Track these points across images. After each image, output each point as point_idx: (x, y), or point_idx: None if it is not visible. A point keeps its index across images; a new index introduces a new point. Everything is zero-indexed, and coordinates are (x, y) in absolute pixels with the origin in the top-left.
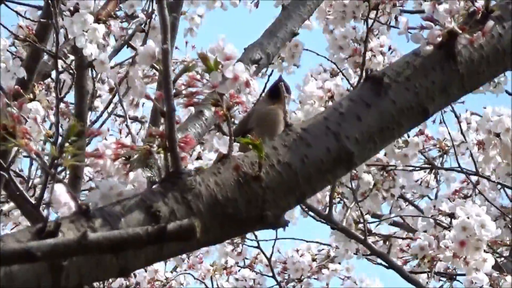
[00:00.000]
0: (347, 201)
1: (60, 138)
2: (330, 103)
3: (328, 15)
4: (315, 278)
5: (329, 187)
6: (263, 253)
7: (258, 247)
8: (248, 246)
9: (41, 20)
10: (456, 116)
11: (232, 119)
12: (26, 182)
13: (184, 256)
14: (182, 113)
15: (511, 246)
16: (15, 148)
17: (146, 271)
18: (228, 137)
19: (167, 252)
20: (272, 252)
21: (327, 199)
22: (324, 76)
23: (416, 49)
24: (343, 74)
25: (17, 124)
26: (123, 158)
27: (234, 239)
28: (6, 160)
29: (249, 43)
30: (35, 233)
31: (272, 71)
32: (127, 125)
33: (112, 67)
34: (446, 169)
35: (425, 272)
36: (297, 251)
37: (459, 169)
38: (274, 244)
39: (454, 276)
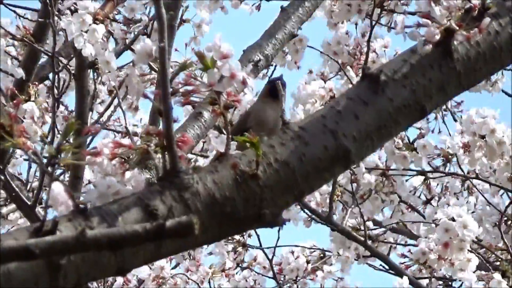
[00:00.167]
0: (346, 204)
1: (57, 138)
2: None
3: (332, 10)
4: (310, 279)
5: (329, 189)
6: (266, 255)
7: (260, 247)
8: (250, 246)
9: (39, 20)
10: (455, 120)
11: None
12: (24, 185)
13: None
14: (182, 114)
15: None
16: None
17: (150, 268)
18: (226, 136)
19: (165, 251)
20: (274, 254)
21: (327, 201)
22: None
23: (413, 47)
24: (345, 74)
25: (14, 123)
26: (121, 157)
27: (237, 248)
28: (3, 161)
29: (248, 45)
30: (32, 232)
31: (272, 72)
32: (126, 128)
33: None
34: (446, 174)
35: (426, 278)
36: (292, 252)
37: (459, 173)
38: (276, 245)
39: (450, 283)
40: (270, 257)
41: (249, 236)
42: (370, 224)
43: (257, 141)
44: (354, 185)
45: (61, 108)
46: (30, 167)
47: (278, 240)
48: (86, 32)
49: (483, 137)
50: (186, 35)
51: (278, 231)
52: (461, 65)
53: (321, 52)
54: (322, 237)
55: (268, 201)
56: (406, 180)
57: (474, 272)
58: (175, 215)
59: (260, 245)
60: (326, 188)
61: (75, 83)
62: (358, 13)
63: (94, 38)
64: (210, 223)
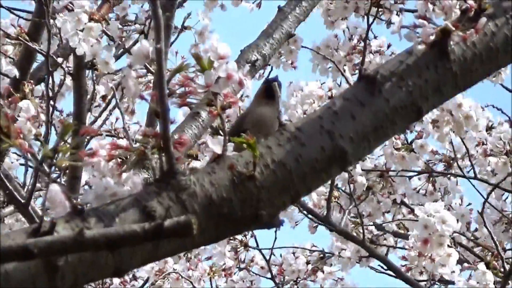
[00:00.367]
0: (344, 205)
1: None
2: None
3: (329, 9)
4: (311, 280)
5: (327, 190)
6: (263, 255)
7: (257, 248)
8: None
9: (34, 19)
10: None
11: (227, 119)
12: (21, 188)
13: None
14: (178, 114)
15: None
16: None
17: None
18: (223, 137)
19: (162, 252)
20: (271, 255)
21: (323, 202)
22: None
23: (409, 48)
24: (342, 74)
25: (11, 124)
26: (118, 159)
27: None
28: None
29: (245, 45)
30: (30, 233)
31: (270, 73)
32: (124, 128)
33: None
34: (445, 174)
35: (425, 281)
36: (293, 253)
37: (458, 174)
38: (273, 246)
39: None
40: (269, 259)
41: (252, 236)
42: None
43: (254, 142)
44: (352, 186)
45: (57, 112)
46: (27, 170)
47: (275, 240)
48: (81, 31)
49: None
50: (184, 38)
51: (275, 231)
52: (457, 66)
53: (316, 52)
54: (322, 237)
55: (265, 202)
56: (410, 178)
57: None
58: (173, 216)
59: (257, 245)
60: (323, 188)
61: (73, 83)
62: (355, 11)
63: (89, 37)
64: (207, 224)
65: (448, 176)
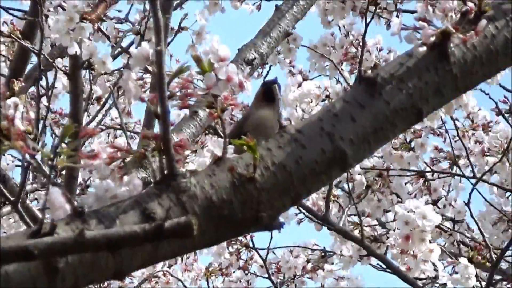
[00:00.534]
0: (342, 203)
1: (41, 136)
2: (327, 102)
3: (326, 8)
4: (309, 278)
5: (326, 189)
6: (259, 254)
7: (253, 247)
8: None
9: (28, 18)
10: (453, 121)
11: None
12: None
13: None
14: (177, 115)
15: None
16: None
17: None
18: (223, 139)
19: (162, 254)
20: (267, 254)
21: (320, 202)
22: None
23: (409, 50)
24: (340, 73)
25: (11, 126)
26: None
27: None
28: None
29: (243, 43)
30: (30, 235)
31: (268, 72)
32: (122, 127)
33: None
34: (443, 173)
35: (423, 279)
36: (291, 251)
37: (457, 173)
38: (269, 245)
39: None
40: (265, 258)
41: (251, 237)
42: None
43: (254, 144)
44: (351, 184)
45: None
46: (27, 170)
47: (271, 240)
48: (73, 30)
49: None
50: (181, 40)
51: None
52: (457, 68)
53: (313, 50)
54: (321, 236)
55: (265, 204)
56: (406, 183)
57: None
58: (173, 218)
59: (253, 245)
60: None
61: (69, 83)
62: (353, 10)
63: (81, 36)
64: (207, 226)
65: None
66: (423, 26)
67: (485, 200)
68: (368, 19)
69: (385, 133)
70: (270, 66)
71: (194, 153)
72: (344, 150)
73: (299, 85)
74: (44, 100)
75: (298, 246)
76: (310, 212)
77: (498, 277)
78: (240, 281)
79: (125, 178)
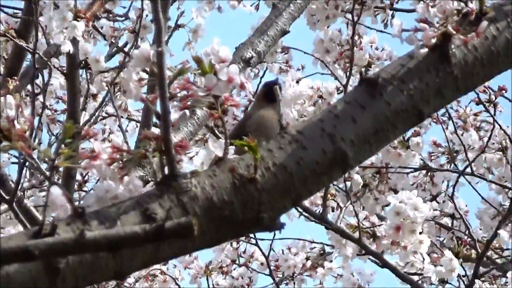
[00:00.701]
0: (340, 202)
1: (36, 134)
2: (320, 101)
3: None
4: (307, 275)
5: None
6: (261, 251)
7: (256, 244)
8: (244, 242)
9: (23, 17)
10: (450, 117)
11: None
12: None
13: None
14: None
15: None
16: None
17: None
18: (224, 140)
19: (162, 255)
20: (270, 251)
21: (318, 201)
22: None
23: (411, 52)
24: (332, 73)
25: (12, 127)
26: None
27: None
28: None
29: (240, 41)
30: (31, 235)
31: (265, 72)
32: (119, 126)
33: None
34: (441, 170)
35: (419, 274)
36: (289, 249)
37: (455, 170)
38: (271, 243)
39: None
40: (268, 255)
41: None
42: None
43: (255, 145)
44: (348, 183)
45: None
46: (22, 169)
47: (273, 237)
48: (66, 28)
49: None
50: (178, 37)
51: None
52: (458, 70)
53: (304, 52)
54: (319, 235)
55: (266, 204)
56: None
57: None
58: (173, 219)
59: (256, 242)
60: None
61: (66, 82)
62: (335, 9)
63: (74, 35)
64: (208, 227)
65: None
66: (424, 27)
67: (480, 196)
68: (365, 19)
69: (386, 134)
70: (266, 68)
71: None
72: (345, 151)
73: (297, 81)
74: (40, 98)
75: (298, 239)
76: (307, 211)
77: (498, 273)
78: (242, 278)
79: (126, 178)
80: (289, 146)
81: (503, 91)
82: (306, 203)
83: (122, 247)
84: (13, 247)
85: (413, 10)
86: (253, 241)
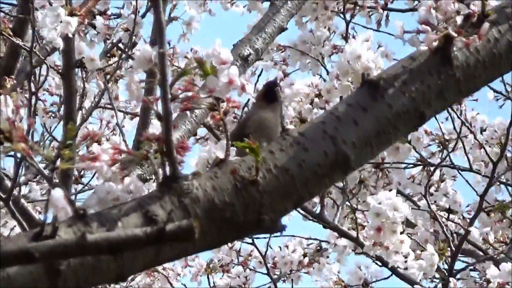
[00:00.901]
0: (336, 198)
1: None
2: (317, 99)
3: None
4: (305, 272)
5: None
6: (258, 250)
7: (252, 243)
8: (242, 242)
9: (18, 15)
10: (448, 111)
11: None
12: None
13: None
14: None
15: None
16: None
17: None
18: (225, 142)
19: (164, 257)
20: (267, 249)
21: (315, 199)
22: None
23: (412, 53)
24: (327, 72)
25: (13, 129)
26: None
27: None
28: None
29: (237, 40)
30: (32, 237)
31: (261, 71)
32: (117, 124)
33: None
34: (439, 166)
35: None
36: (287, 246)
37: (452, 165)
38: (268, 241)
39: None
40: (264, 254)
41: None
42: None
43: (256, 147)
44: (344, 181)
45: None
46: (19, 165)
47: (270, 235)
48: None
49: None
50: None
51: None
52: (460, 72)
53: (300, 51)
54: (317, 233)
55: (267, 206)
56: (405, 168)
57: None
58: (175, 221)
59: (253, 241)
60: None
61: (62, 82)
62: (325, 9)
63: (67, 31)
64: (209, 229)
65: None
66: (426, 30)
67: (473, 189)
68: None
69: (387, 136)
70: (262, 70)
71: None
72: (346, 153)
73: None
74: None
75: (294, 236)
76: (305, 210)
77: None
78: (239, 277)
79: (127, 179)
80: (291, 148)
81: None
82: None
83: (123, 250)
84: (14, 250)
85: (407, 10)
86: (249, 240)
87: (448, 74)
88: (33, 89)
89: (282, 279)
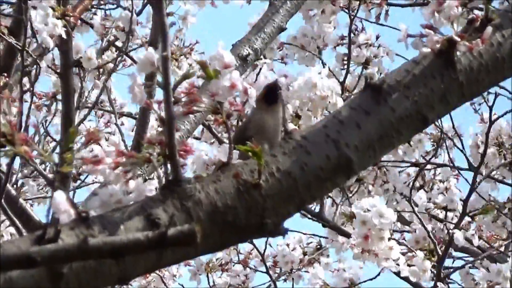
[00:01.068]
0: (334, 196)
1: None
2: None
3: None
4: (305, 271)
5: None
6: (256, 249)
7: (251, 242)
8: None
9: (13, 15)
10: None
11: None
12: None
13: None
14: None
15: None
16: None
17: None
18: (228, 145)
19: (165, 260)
20: (266, 248)
21: None
22: None
23: (416, 57)
24: (329, 69)
25: (15, 132)
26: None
27: None
28: None
29: (237, 39)
30: (34, 240)
31: (260, 69)
32: (116, 124)
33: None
34: (439, 166)
35: None
36: (287, 245)
37: (451, 165)
38: (267, 240)
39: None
40: (263, 252)
41: None
42: None
43: (259, 150)
44: None
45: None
46: (12, 161)
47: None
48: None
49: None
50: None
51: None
52: (463, 76)
53: (302, 48)
54: (316, 232)
55: (270, 210)
56: (400, 172)
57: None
58: (177, 224)
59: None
60: None
61: (60, 81)
62: (332, 4)
63: (55, 32)
64: (211, 232)
65: (437, 167)
66: (429, 33)
67: (472, 188)
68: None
69: (390, 140)
70: (260, 69)
71: None
72: (349, 156)
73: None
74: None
75: (292, 230)
76: (304, 209)
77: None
78: (239, 276)
79: (131, 182)
80: (294, 152)
81: None
82: None
83: (125, 254)
84: (16, 254)
85: (408, 5)
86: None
87: (451, 78)
88: (29, 87)
89: (283, 278)
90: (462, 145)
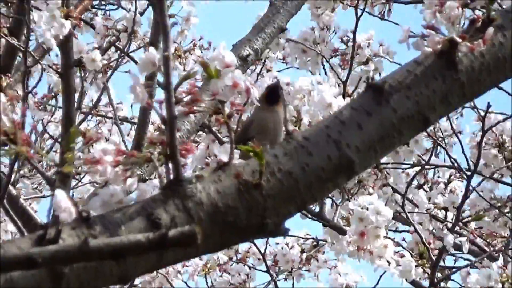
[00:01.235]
0: (335, 198)
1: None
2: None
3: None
4: (306, 270)
5: None
6: (257, 247)
7: (252, 241)
8: None
9: (14, 16)
10: None
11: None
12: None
13: None
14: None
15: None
16: None
17: None
18: (229, 145)
19: (166, 261)
20: (266, 247)
21: None
22: None
23: (417, 58)
24: (331, 67)
25: (18, 131)
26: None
27: None
28: None
29: (237, 39)
30: (35, 240)
31: (260, 70)
32: (116, 124)
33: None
34: (438, 166)
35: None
36: (287, 244)
37: (451, 165)
38: (267, 239)
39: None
40: (264, 251)
41: None
42: None
43: (260, 150)
44: None
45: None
46: (15, 161)
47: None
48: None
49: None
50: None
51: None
52: (465, 76)
53: (305, 46)
54: (316, 231)
55: (271, 210)
56: (402, 171)
57: None
58: (178, 224)
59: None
60: None
61: (61, 82)
62: (341, 2)
63: (61, 33)
64: (212, 232)
65: (436, 167)
66: (431, 34)
67: (473, 188)
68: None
69: (391, 141)
70: (261, 69)
71: None
72: (350, 157)
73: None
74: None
75: (291, 235)
76: (304, 209)
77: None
78: (239, 274)
79: (131, 182)
80: (295, 152)
81: None
82: None
83: (125, 255)
84: (16, 255)
85: (410, 2)
86: None
87: (453, 78)
88: (30, 88)
89: (283, 277)
90: (461, 144)
